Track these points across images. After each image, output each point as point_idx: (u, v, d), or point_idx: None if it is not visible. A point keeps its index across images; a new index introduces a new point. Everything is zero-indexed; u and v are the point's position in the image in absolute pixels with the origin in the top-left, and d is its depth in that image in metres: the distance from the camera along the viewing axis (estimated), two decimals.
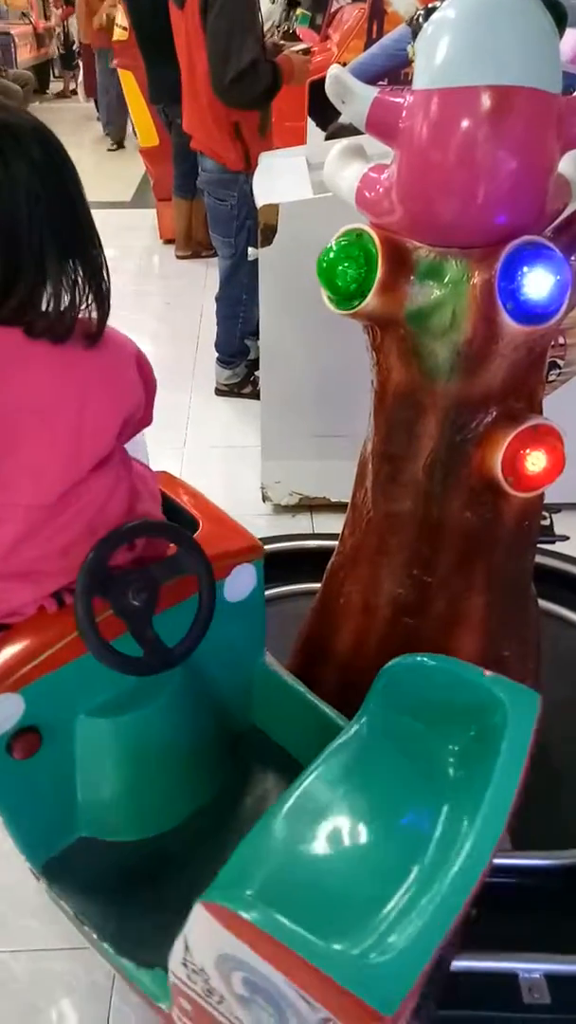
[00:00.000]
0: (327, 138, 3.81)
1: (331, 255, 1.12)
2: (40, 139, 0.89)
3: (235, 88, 2.59)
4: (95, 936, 1.10)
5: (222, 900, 0.76)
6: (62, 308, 0.91)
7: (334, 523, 1.66)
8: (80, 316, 0.94)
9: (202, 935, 0.79)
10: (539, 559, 1.46)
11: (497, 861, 1.29)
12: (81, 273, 0.93)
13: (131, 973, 1.04)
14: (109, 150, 7.58)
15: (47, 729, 1.09)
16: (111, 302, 0.98)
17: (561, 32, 0.99)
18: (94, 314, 0.96)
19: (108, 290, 0.97)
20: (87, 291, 0.94)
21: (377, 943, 0.74)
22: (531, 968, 1.18)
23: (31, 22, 9.76)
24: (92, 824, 1.23)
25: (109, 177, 6.63)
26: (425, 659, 0.97)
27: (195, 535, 1.17)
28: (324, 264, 1.13)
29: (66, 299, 0.92)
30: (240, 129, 2.77)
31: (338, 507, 1.80)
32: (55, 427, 0.95)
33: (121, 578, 1.02)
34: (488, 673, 0.93)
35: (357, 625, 1.39)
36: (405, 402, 1.19)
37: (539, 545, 1.39)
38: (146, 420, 1.11)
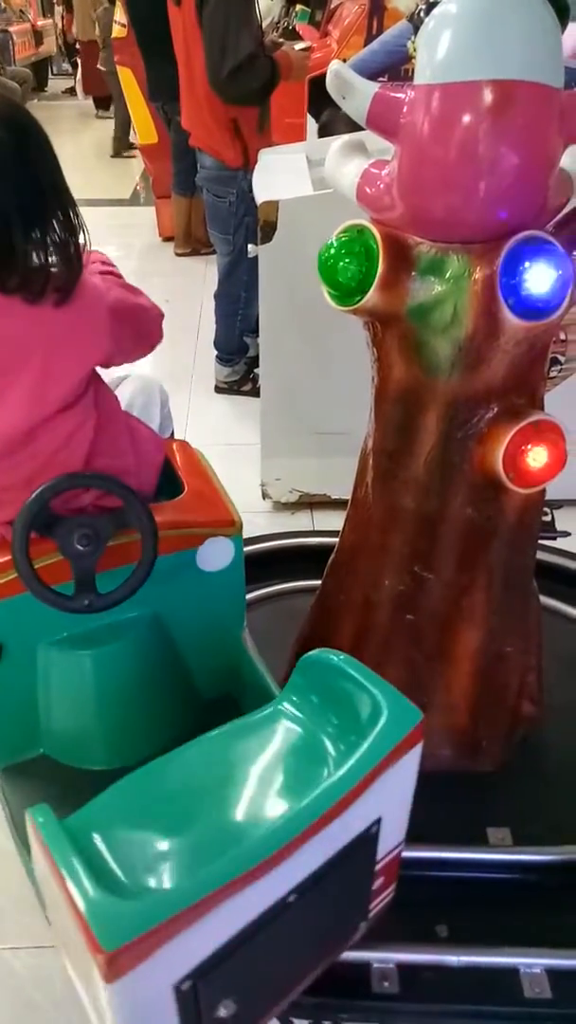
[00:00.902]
0: (319, 128, 3.80)
1: (332, 251, 1.12)
2: (7, 121, 0.98)
3: (231, 83, 2.59)
4: (19, 841, 1.20)
5: (35, 816, 0.82)
6: (32, 269, 1.02)
7: (334, 520, 1.66)
8: (56, 273, 1.05)
9: (33, 847, 0.85)
10: (541, 555, 1.46)
11: (499, 857, 1.32)
12: (51, 240, 1.04)
13: (35, 881, 1.10)
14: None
15: (8, 648, 1.20)
16: (81, 264, 1.08)
17: (563, 25, 0.99)
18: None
19: (78, 253, 1.07)
20: (57, 256, 1.04)
21: (148, 887, 0.78)
22: (532, 963, 1.18)
23: (29, 20, 9.74)
24: (52, 745, 1.32)
25: (108, 175, 6.63)
26: (335, 658, 1.00)
27: (174, 500, 1.26)
28: (325, 260, 1.12)
29: (36, 262, 1.03)
30: (238, 126, 2.77)
31: (338, 504, 1.80)
32: (26, 369, 1.05)
33: (68, 521, 1.11)
34: (383, 683, 0.96)
35: (358, 621, 1.39)
36: (406, 398, 1.19)
37: (540, 541, 1.39)
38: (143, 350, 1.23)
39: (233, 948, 0.80)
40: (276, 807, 0.87)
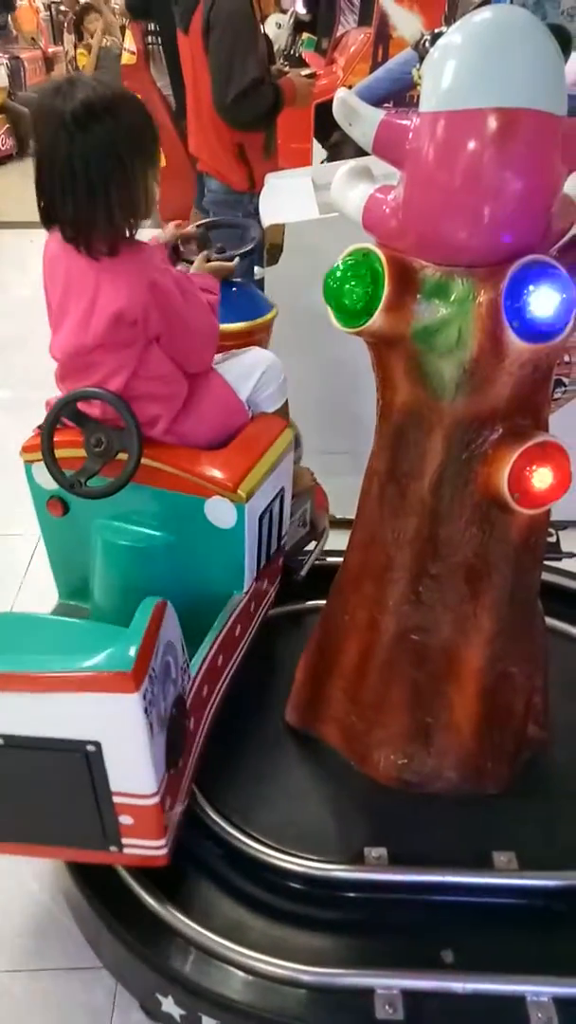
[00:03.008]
0: (329, 151, 3.83)
1: (338, 274, 1.13)
2: (114, 110, 1.21)
3: (236, 107, 2.63)
4: None
5: None
6: (91, 223, 1.26)
7: (339, 540, 1.66)
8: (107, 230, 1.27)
9: None
10: (545, 576, 1.45)
11: (504, 882, 1.31)
12: (108, 203, 1.25)
13: None
14: None
15: (73, 508, 1.53)
16: (132, 229, 1.31)
17: (566, 55, 1.01)
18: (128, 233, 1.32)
19: (129, 219, 1.29)
20: (107, 217, 1.25)
21: None
22: (539, 991, 1.16)
23: (40, 47, 9.91)
24: (91, 604, 1.60)
25: None
26: (148, 601, 1.18)
27: (205, 452, 1.45)
28: (331, 283, 1.14)
29: (96, 219, 1.25)
30: (244, 150, 2.81)
31: (343, 524, 1.79)
32: (82, 302, 1.32)
33: (92, 423, 1.41)
34: (136, 634, 1.14)
35: (363, 641, 1.39)
36: (410, 420, 1.20)
37: (545, 562, 1.39)
38: (172, 340, 1.40)
39: None
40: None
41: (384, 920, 1.29)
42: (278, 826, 1.37)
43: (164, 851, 1.24)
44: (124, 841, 1.22)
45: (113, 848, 1.23)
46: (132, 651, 1.09)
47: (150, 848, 1.23)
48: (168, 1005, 1.21)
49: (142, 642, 1.11)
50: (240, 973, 1.19)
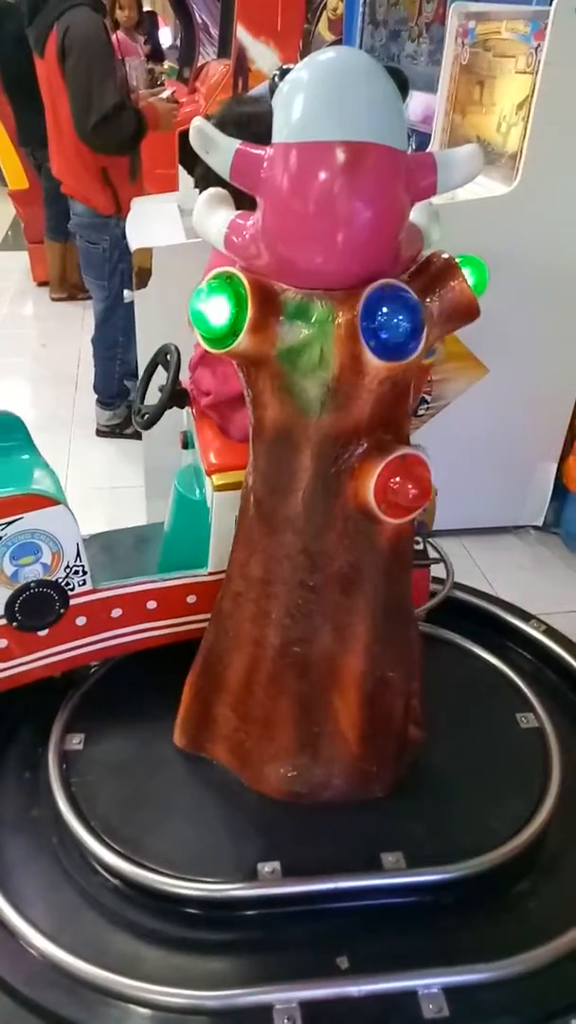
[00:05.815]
0: (196, 180, 3.88)
1: (203, 297, 1.15)
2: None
3: (99, 133, 2.63)
4: None
5: None
6: None
7: None
8: None
9: None
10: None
11: (393, 881, 1.35)
12: None
13: None
14: None
15: (190, 445, 1.77)
16: None
17: (404, 96, 1.08)
18: None
19: None
20: None
21: None
22: (429, 983, 1.21)
23: None
24: None
25: None
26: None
27: (233, 442, 1.59)
28: (196, 305, 1.16)
29: None
30: (108, 174, 2.80)
31: None
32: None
33: (170, 361, 1.67)
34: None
35: (248, 657, 1.40)
36: (281, 437, 1.23)
37: (414, 569, 1.46)
38: None
39: None
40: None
41: (281, 934, 1.30)
42: (169, 851, 1.36)
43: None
44: None
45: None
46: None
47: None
48: None
49: None
50: (137, 1008, 1.17)
